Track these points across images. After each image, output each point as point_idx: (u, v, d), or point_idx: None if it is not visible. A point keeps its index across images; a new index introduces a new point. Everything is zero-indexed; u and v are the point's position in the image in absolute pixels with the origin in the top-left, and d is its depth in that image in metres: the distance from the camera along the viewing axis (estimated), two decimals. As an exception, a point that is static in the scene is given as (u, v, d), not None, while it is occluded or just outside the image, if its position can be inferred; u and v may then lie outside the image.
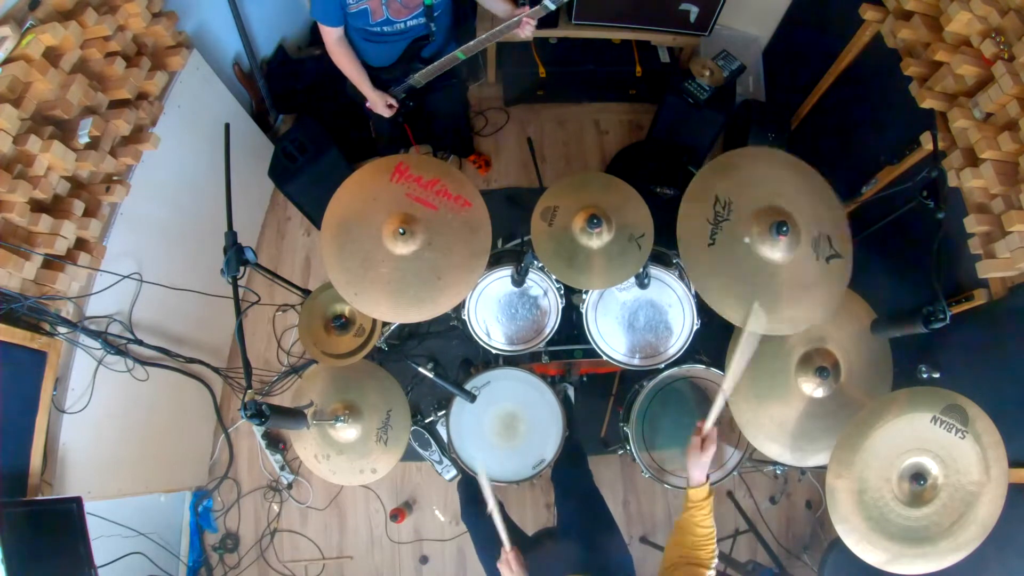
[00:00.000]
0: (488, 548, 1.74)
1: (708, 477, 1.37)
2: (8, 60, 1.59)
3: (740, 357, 1.35)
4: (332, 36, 2.04)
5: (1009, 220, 1.61)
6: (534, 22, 1.92)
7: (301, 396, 1.78)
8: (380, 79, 2.21)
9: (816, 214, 1.48)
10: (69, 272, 1.77)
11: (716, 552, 1.31)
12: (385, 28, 2.04)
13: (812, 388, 1.60)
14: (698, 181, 1.51)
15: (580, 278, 1.71)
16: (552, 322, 1.92)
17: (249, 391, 1.36)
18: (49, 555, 1.63)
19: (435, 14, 2.05)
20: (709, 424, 1.39)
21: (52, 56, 1.69)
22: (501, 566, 1.44)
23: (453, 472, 2.59)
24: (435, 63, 2.11)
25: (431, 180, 1.59)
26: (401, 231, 1.52)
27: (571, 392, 2.38)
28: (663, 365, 1.92)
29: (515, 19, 1.90)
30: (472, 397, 1.78)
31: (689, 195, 1.50)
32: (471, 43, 2.01)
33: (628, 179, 1.80)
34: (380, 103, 2.22)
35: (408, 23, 2.04)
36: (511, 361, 2.07)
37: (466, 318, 1.94)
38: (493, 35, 1.95)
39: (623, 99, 3.20)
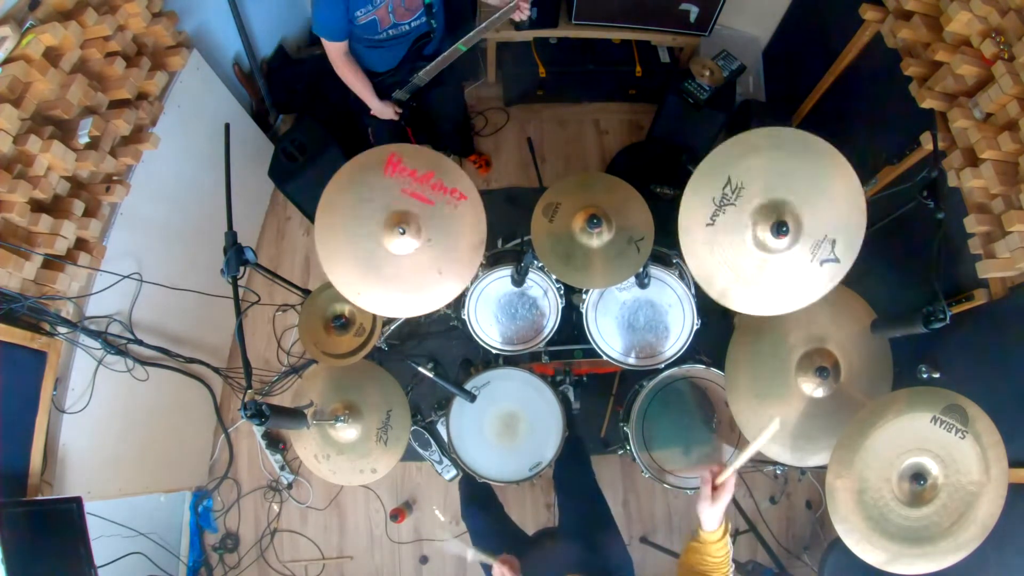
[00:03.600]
0: (487, 547, 1.74)
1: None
2: (8, 60, 1.59)
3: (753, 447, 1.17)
4: (339, 51, 2.05)
5: (1009, 220, 1.61)
6: (528, 3, 1.90)
7: (301, 396, 1.78)
8: (385, 84, 2.23)
9: (831, 216, 1.40)
10: (69, 272, 1.77)
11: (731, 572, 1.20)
12: (391, 32, 2.06)
13: (812, 388, 1.60)
14: (717, 155, 1.44)
15: (579, 277, 1.71)
16: (552, 322, 1.93)
17: (249, 391, 1.36)
18: (49, 555, 1.63)
19: (434, 11, 2.08)
20: (729, 472, 1.16)
21: (52, 56, 1.68)
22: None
23: (453, 472, 2.59)
24: (438, 58, 2.12)
25: (425, 174, 1.58)
26: (401, 230, 1.52)
27: (571, 392, 2.38)
28: (663, 365, 1.92)
29: (511, 3, 1.89)
30: (472, 397, 1.78)
31: (703, 169, 1.44)
32: (471, 34, 2.02)
33: (628, 179, 1.81)
34: (388, 112, 2.27)
35: (412, 24, 2.07)
36: (511, 361, 2.07)
37: (466, 318, 1.94)
38: (492, 22, 1.95)
39: (623, 99, 3.19)
